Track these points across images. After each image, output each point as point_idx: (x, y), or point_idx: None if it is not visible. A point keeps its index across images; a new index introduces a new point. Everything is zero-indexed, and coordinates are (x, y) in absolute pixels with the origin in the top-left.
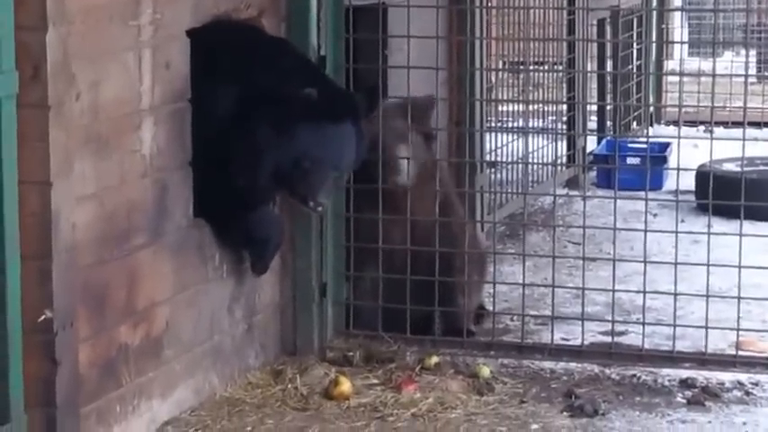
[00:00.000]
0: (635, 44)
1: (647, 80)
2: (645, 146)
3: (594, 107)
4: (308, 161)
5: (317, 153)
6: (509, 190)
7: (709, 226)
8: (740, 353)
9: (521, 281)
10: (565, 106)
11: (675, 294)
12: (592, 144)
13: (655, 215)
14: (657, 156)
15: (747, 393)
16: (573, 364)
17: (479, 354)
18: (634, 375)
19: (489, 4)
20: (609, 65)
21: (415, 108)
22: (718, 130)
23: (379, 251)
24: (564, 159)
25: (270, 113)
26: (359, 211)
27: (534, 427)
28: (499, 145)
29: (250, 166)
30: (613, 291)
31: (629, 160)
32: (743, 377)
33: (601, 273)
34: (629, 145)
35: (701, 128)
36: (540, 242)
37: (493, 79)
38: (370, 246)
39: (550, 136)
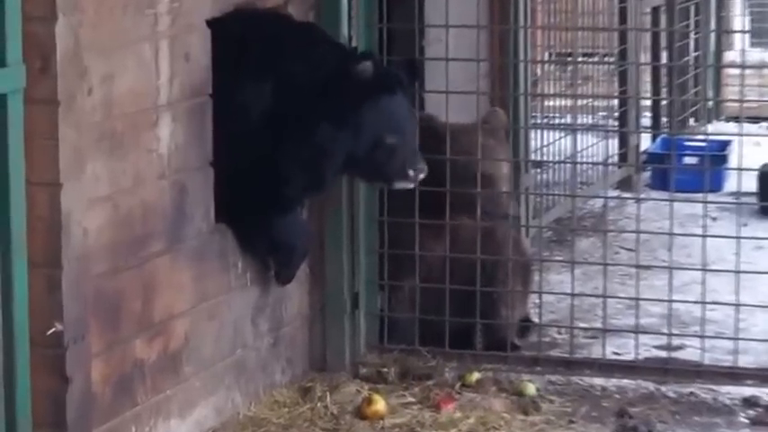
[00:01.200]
0: (692, 33)
1: (706, 73)
2: (703, 144)
3: (648, 102)
4: (392, 136)
5: (396, 125)
6: (556, 192)
7: None
8: None
9: (569, 290)
10: (616, 101)
11: (737, 305)
12: (646, 142)
13: (714, 219)
14: (717, 155)
15: None
16: (626, 381)
17: (524, 370)
18: (692, 393)
19: None
20: (664, 56)
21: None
22: None
23: (416, 258)
24: (615, 159)
25: (323, 104)
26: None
27: None
28: (545, 143)
29: (314, 165)
30: (670, 301)
31: (687, 160)
32: None
33: (656, 282)
34: (687, 143)
35: (764, 124)
36: (590, 248)
37: (538, 72)
38: (409, 253)
39: (601, 133)
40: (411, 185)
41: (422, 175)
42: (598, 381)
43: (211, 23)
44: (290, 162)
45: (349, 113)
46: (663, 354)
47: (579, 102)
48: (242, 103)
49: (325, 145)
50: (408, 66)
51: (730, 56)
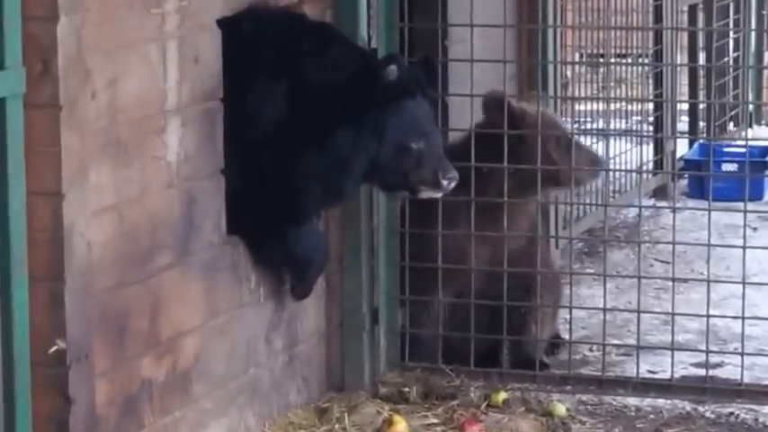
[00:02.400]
0: (732, 33)
1: (746, 74)
2: (743, 150)
3: (685, 106)
4: (419, 141)
5: (422, 130)
6: (587, 201)
7: None
8: None
9: (601, 305)
10: (651, 105)
11: None
12: (682, 148)
13: (755, 229)
14: (757, 161)
15: None
16: (661, 401)
17: (554, 389)
18: (732, 413)
19: None
20: (702, 57)
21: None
22: None
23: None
24: (650, 166)
25: (343, 108)
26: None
27: None
28: None
29: (333, 173)
30: (708, 316)
31: (725, 167)
32: None
33: (693, 296)
34: (725, 149)
35: None
36: (624, 261)
37: (569, 74)
38: (442, 267)
39: (635, 139)
40: (440, 194)
41: (453, 184)
42: (632, 401)
43: (223, 23)
44: (308, 170)
45: (372, 118)
46: (700, 372)
47: (612, 105)
48: (256, 108)
49: (346, 152)
50: (425, 64)
51: None
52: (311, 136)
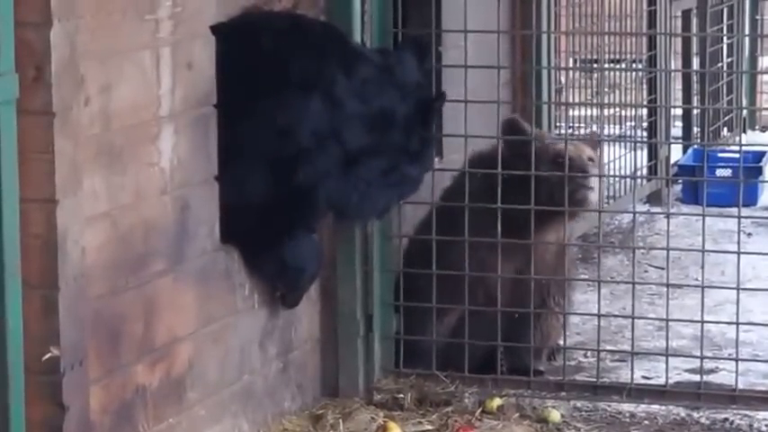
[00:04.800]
0: (725, 38)
1: (740, 80)
2: (737, 155)
3: (679, 111)
4: None
5: None
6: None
7: None
8: None
9: (595, 311)
10: (645, 110)
11: None
12: (676, 154)
13: (749, 235)
14: (752, 167)
15: None
16: (656, 407)
17: (548, 395)
18: (726, 419)
19: None
20: (695, 62)
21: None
22: None
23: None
24: (644, 171)
25: (396, 138)
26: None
27: None
28: None
29: (368, 201)
30: (702, 322)
31: (719, 172)
32: None
33: (687, 301)
34: (720, 155)
35: None
36: (618, 266)
37: (563, 79)
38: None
39: (629, 144)
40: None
41: None
42: (626, 407)
43: (236, 29)
44: (338, 194)
45: (425, 151)
46: (695, 378)
47: (606, 111)
48: (285, 122)
49: (372, 181)
50: (416, 45)
51: (766, 62)
52: (343, 157)
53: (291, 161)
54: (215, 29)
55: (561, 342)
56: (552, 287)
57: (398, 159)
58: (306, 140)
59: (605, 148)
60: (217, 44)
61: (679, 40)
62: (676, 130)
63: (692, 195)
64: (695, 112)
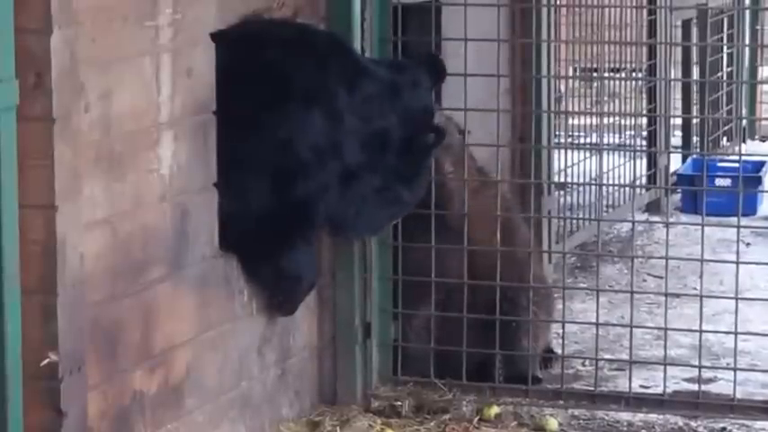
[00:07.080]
0: (725, 48)
1: (740, 89)
2: (737, 165)
3: (679, 120)
4: None
5: None
6: (580, 215)
7: None
8: None
9: (594, 320)
10: (645, 119)
11: None
12: (675, 163)
13: (748, 244)
14: (751, 176)
15: None
16: (654, 416)
17: (546, 403)
18: (724, 429)
19: (558, 3)
20: (695, 72)
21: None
22: None
23: (432, 286)
24: (644, 180)
25: (403, 161)
26: (410, 240)
27: None
28: (569, 164)
29: (374, 219)
30: (700, 331)
31: (719, 181)
32: None
33: (686, 311)
34: (719, 164)
35: None
36: (617, 275)
37: (562, 88)
38: (424, 280)
39: (628, 153)
40: None
41: None
42: (624, 416)
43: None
44: (335, 209)
45: (417, 179)
46: (693, 387)
47: (605, 120)
48: (285, 135)
49: (368, 197)
50: (434, 64)
51: (765, 72)
52: (341, 172)
53: (290, 174)
54: (218, 37)
55: (559, 350)
56: (523, 294)
57: (392, 180)
58: (305, 154)
59: (605, 156)
60: (220, 53)
61: (679, 49)
62: (676, 139)
63: (691, 205)
64: (695, 121)
